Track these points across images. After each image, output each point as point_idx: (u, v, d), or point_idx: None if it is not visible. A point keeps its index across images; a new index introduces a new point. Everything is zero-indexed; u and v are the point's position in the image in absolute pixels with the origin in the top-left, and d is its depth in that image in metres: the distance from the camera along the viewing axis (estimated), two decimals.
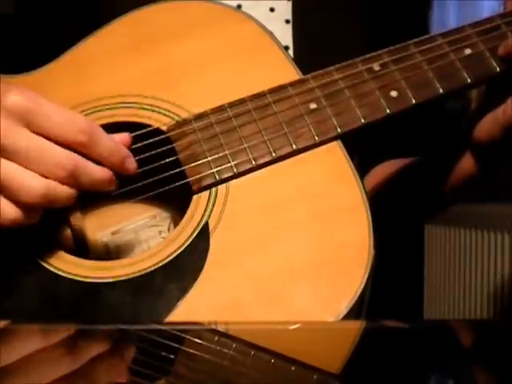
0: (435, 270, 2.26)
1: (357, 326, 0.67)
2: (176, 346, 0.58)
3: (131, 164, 0.68)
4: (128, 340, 0.59)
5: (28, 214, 0.64)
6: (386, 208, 0.94)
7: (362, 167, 0.75)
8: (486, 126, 0.77)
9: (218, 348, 0.57)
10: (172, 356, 0.55)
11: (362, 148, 0.82)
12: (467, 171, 0.83)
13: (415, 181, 0.92)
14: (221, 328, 0.63)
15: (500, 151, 0.79)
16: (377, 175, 0.94)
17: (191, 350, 0.57)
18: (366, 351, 0.56)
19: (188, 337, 0.60)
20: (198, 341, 0.59)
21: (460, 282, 2.15)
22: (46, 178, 0.63)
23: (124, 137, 0.69)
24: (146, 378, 0.49)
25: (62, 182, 0.64)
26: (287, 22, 0.88)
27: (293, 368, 0.52)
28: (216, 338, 0.61)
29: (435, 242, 2.26)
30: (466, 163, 0.83)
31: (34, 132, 0.64)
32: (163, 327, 0.64)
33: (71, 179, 0.64)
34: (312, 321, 0.65)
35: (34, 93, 0.65)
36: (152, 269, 0.67)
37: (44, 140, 0.64)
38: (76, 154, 0.65)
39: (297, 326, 0.63)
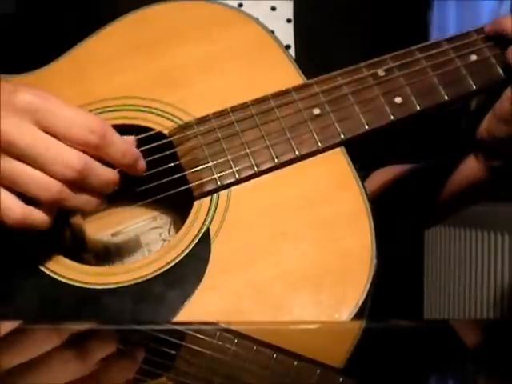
0: (435, 270, 2.26)
1: (359, 325, 0.67)
2: (186, 345, 0.58)
3: (142, 165, 0.67)
4: (133, 340, 0.59)
5: (38, 214, 0.63)
6: (385, 213, 0.94)
7: (364, 172, 0.74)
8: (486, 124, 0.77)
9: (221, 343, 0.58)
10: (178, 355, 0.55)
11: (364, 153, 0.82)
12: (471, 174, 0.83)
13: (417, 185, 0.92)
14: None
15: (501, 148, 0.79)
16: (376, 179, 0.94)
17: (199, 348, 0.57)
18: (369, 350, 0.56)
19: (194, 334, 0.61)
20: (203, 338, 0.60)
21: (460, 282, 2.15)
22: (53, 177, 0.62)
23: (130, 139, 0.68)
24: (151, 376, 0.49)
25: (70, 183, 0.63)
26: (288, 21, 0.88)
27: (296, 363, 0.52)
28: (218, 334, 0.61)
29: (435, 242, 2.26)
30: (470, 166, 0.83)
31: (45, 131, 0.62)
32: (168, 327, 0.64)
33: (79, 180, 0.63)
34: (315, 320, 0.64)
35: (44, 91, 0.63)
36: (153, 275, 0.66)
37: (51, 138, 0.62)
38: (85, 155, 0.63)
39: (317, 325, 0.63)
